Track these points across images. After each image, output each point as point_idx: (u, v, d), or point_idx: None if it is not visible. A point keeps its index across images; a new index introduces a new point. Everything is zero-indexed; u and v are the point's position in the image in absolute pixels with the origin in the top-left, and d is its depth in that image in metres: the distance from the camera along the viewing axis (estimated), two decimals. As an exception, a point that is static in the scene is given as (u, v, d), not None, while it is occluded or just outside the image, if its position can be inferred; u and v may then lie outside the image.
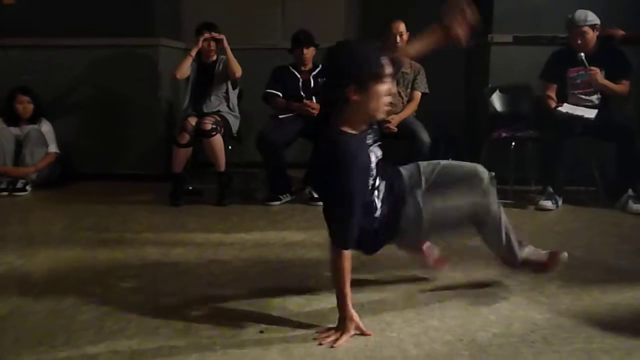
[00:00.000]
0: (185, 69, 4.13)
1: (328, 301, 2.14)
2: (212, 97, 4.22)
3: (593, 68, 3.77)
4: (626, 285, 2.35)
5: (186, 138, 3.94)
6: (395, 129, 3.90)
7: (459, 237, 2.61)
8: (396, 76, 2.03)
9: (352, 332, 1.85)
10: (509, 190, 4.06)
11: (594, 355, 1.74)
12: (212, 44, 4.15)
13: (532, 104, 4.36)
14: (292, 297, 2.21)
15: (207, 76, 4.23)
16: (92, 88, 4.92)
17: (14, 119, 4.52)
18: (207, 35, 4.11)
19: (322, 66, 4.17)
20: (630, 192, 3.70)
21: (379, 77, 1.82)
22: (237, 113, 4.32)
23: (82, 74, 4.89)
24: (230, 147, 4.21)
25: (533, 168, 4.23)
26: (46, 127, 4.58)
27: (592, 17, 3.80)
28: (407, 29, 4.03)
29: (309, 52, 4.16)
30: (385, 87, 1.84)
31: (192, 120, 3.97)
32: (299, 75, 4.18)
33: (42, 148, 4.51)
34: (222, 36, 4.12)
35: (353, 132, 1.88)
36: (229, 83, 4.25)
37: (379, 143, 2.03)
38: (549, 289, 2.30)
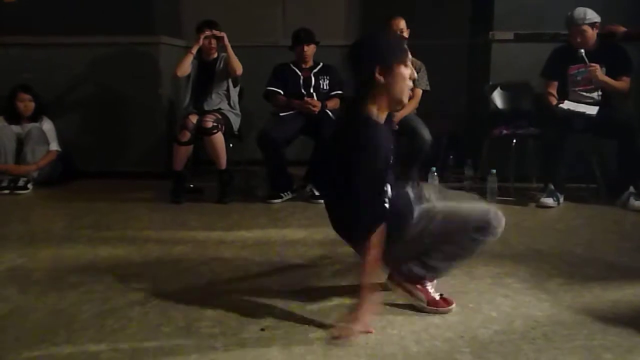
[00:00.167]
0: (186, 67, 4.13)
1: (329, 299, 2.15)
2: (213, 95, 4.22)
3: (593, 64, 3.76)
4: (627, 282, 2.35)
5: (187, 136, 3.94)
6: (396, 126, 3.89)
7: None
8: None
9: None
10: (510, 188, 4.07)
11: (595, 352, 1.74)
12: (213, 41, 4.14)
13: (533, 101, 4.36)
14: (293, 295, 2.20)
15: (208, 74, 4.22)
16: (93, 86, 4.92)
17: (15, 117, 4.52)
18: (208, 32, 4.10)
19: (324, 65, 4.18)
20: (631, 189, 3.70)
21: (402, 60, 1.94)
22: (238, 111, 4.31)
23: (83, 72, 4.89)
24: (231, 145, 4.21)
25: (534, 165, 4.24)
26: (47, 125, 4.59)
27: (591, 15, 3.78)
28: (407, 26, 4.04)
29: (310, 50, 4.15)
30: (408, 71, 1.96)
31: (193, 118, 3.97)
32: (299, 73, 4.17)
33: (44, 146, 4.51)
34: (223, 34, 4.12)
35: (380, 121, 1.94)
36: (230, 81, 4.24)
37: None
38: (550, 286, 2.30)
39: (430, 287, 2.08)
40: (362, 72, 1.95)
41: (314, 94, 4.12)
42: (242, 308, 2.08)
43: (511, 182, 4.09)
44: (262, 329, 1.90)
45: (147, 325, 1.95)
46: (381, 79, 1.90)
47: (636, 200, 3.66)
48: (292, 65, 4.21)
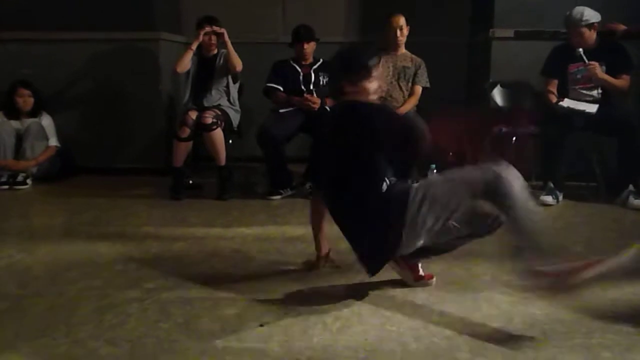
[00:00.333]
0: (186, 63, 4.12)
1: (328, 295, 2.15)
2: (213, 91, 4.21)
3: (592, 63, 3.76)
4: (626, 281, 2.34)
5: (187, 132, 3.93)
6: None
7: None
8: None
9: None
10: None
11: (593, 350, 1.74)
12: (213, 37, 4.13)
13: (533, 99, 4.35)
14: (293, 291, 2.21)
15: (208, 70, 4.22)
16: (93, 82, 4.92)
17: (14, 113, 4.52)
18: (208, 29, 4.09)
19: (324, 61, 4.17)
20: (631, 187, 3.70)
21: (365, 77, 2.11)
22: (237, 107, 4.31)
23: (82, 68, 4.88)
24: (230, 141, 4.21)
25: (534, 163, 4.23)
26: (47, 121, 4.58)
27: (589, 16, 3.76)
28: (407, 23, 4.03)
29: (310, 47, 4.14)
30: (374, 85, 2.13)
31: (193, 114, 3.97)
32: (299, 70, 4.17)
33: (43, 142, 4.51)
34: (223, 30, 4.11)
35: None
36: (230, 77, 4.23)
37: None
38: (549, 284, 2.30)
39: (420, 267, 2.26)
40: (333, 84, 2.25)
41: (314, 90, 4.12)
42: (241, 304, 2.08)
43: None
44: (261, 325, 1.90)
45: (146, 321, 1.95)
46: (349, 90, 2.11)
47: (636, 198, 3.66)
48: (291, 62, 4.21)
